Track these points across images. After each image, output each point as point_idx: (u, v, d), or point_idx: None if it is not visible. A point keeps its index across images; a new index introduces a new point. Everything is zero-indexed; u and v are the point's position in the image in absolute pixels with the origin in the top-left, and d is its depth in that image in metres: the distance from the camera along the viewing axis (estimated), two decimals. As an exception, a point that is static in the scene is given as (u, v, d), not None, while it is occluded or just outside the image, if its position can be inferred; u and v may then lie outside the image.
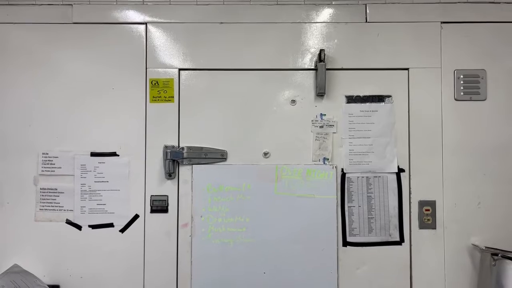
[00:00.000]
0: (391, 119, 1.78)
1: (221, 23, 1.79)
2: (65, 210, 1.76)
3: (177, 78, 1.78)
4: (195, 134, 1.77)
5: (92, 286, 1.74)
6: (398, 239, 1.76)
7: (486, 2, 1.79)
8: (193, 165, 1.76)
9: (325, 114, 1.78)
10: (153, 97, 1.78)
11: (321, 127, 1.78)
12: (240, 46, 1.79)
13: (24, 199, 1.75)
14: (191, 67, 1.78)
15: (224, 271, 1.73)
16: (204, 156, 1.76)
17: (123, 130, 1.77)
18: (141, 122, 1.77)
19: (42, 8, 1.79)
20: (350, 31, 1.79)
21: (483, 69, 1.79)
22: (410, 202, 1.77)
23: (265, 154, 1.77)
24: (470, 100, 1.78)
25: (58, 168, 1.76)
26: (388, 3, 1.80)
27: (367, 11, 1.79)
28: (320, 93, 1.76)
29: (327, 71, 1.74)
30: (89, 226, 1.75)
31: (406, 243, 1.76)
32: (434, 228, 1.75)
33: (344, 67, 1.78)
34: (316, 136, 1.78)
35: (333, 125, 1.78)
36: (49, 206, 1.75)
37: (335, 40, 1.79)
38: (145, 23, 1.79)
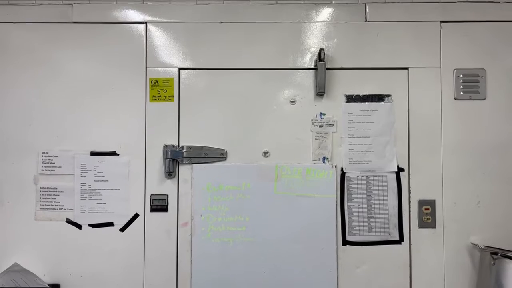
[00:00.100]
0: (391, 118, 1.78)
1: (221, 22, 1.80)
2: (65, 209, 1.76)
3: (177, 78, 1.78)
4: (195, 133, 1.77)
5: (92, 285, 1.74)
6: (397, 238, 1.76)
7: (485, 1, 1.79)
8: (193, 164, 1.76)
9: (324, 114, 1.78)
10: (153, 96, 1.78)
11: (321, 126, 1.78)
12: (240, 45, 1.79)
13: (24, 198, 1.76)
14: (191, 67, 1.79)
15: (223, 270, 1.73)
16: (204, 156, 1.76)
17: (123, 129, 1.77)
18: (141, 122, 1.77)
19: (42, 7, 1.79)
20: (350, 31, 1.79)
21: (483, 69, 1.79)
22: (409, 201, 1.77)
23: (265, 153, 1.78)
24: (470, 99, 1.78)
25: (58, 167, 1.76)
26: (388, 2, 1.80)
27: (367, 10, 1.79)
28: (320, 93, 1.76)
29: (326, 70, 1.74)
30: (89, 225, 1.76)
31: (405, 242, 1.76)
32: (434, 227, 1.75)
33: (343, 66, 1.79)
34: (315, 135, 1.78)
35: (333, 125, 1.78)
36: (49, 205, 1.76)
37: (335, 40, 1.79)
38: (145, 23, 1.80)
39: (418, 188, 1.77)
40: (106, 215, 1.76)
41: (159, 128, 1.77)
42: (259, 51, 1.79)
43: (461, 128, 1.78)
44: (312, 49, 1.79)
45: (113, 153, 1.77)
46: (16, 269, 1.68)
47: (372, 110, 1.79)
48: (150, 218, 1.75)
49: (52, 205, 1.76)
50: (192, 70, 1.79)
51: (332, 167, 1.76)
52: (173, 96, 1.78)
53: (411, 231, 1.76)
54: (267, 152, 1.78)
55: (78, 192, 1.76)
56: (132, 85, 1.78)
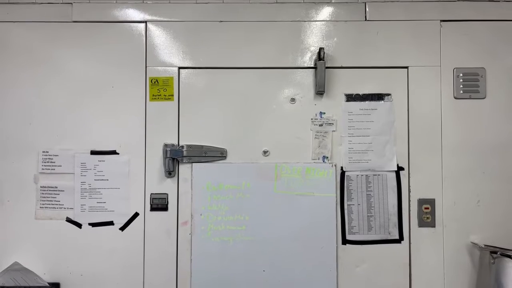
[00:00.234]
0: (391, 118, 1.78)
1: (221, 21, 1.80)
2: (65, 208, 1.76)
3: (177, 77, 1.78)
4: (194, 132, 1.78)
5: (92, 284, 1.74)
6: (397, 237, 1.76)
7: (485, 0, 1.79)
8: (193, 164, 1.76)
9: (324, 113, 1.78)
10: (153, 95, 1.78)
11: (321, 125, 1.78)
12: (239, 44, 1.79)
13: (24, 197, 1.76)
14: (191, 66, 1.79)
15: (223, 269, 1.74)
16: (203, 155, 1.76)
17: (123, 128, 1.77)
18: (141, 121, 1.77)
19: (42, 6, 1.79)
20: (350, 30, 1.79)
21: (483, 67, 1.79)
22: (409, 200, 1.77)
23: (265, 152, 1.78)
24: (470, 98, 1.78)
25: (58, 166, 1.77)
26: (388, 1, 1.80)
27: (367, 9, 1.79)
28: (320, 92, 1.76)
29: (326, 69, 1.74)
30: (89, 224, 1.76)
31: (405, 241, 1.76)
32: (434, 226, 1.75)
33: (343, 65, 1.79)
34: (315, 135, 1.78)
35: (333, 124, 1.78)
36: (49, 204, 1.76)
37: (335, 39, 1.79)
38: (145, 22, 1.80)
39: (418, 187, 1.77)
40: (106, 214, 1.76)
41: (159, 127, 1.77)
42: (259, 50, 1.79)
43: (461, 127, 1.78)
44: (312, 48, 1.79)
45: (113, 152, 1.77)
46: (16, 268, 1.68)
47: (372, 109, 1.79)
48: (150, 217, 1.76)
49: (52, 204, 1.76)
50: (192, 69, 1.79)
51: (332, 166, 1.77)
52: (173, 95, 1.78)
53: (411, 230, 1.76)
54: (267, 151, 1.78)
55: (78, 191, 1.76)
56: (132, 84, 1.78)
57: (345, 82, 1.79)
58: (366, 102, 1.79)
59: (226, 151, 1.77)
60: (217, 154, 1.77)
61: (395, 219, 1.77)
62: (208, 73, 1.79)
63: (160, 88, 1.78)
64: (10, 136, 1.77)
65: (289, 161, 1.77)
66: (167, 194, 1.76)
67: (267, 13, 1.80)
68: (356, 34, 1.79)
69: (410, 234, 1.76)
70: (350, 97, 1.79)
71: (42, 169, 1.76)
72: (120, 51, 1.79)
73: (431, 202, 1.76)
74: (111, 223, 1.76)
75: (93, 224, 1.76)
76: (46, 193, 1.76)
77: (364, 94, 1.79)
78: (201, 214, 1.75)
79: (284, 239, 1.74)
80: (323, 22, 1.80)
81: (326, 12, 1.80)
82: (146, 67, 1.79)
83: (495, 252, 1.61)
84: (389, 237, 1.76)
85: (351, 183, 1.78)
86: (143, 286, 1.74)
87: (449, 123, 1.78)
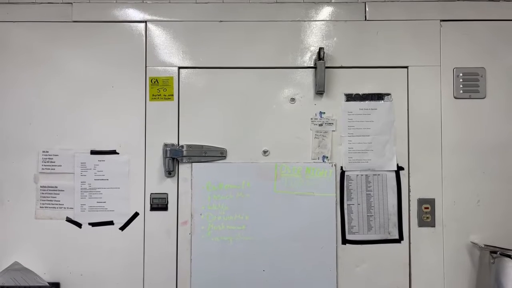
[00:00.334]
0: (391, 117, 1.78)
1: (221, 21, 1.80)
2: (65, 208, 1.76)
3: (177, 77, 1.78)
4: (194, 132, 1.78)
5: (92, 284, 1.75)
6: (397, 237, 1.76)
7: (485, 0, 1.79)
8: (193, 163, 1.76)
9: (324, 112, 1.78)
10: (153, 95, 1.78)
11: (320, 125, 1.78)
12: (239, 44, 1.79)
13: (24, 197, 1.76)
14: (191, 65, 1.79)
15: (223, 269, 1.74)
16: (203, 154, 1.76)
17: (123, 128, 1.78)
18: (141, 120, 1.78)
19: (42, 6, 1.80)
20: (350, 29, 1.79)
21: (483, 67, 1.79)
22: (409, 200, 1.77)
23: (265, 152, 1.78)
24: (470, 98, 1.78)
25: (58, 166, 1.77)
26: (388, 1, 1.80)
27: (367, 9, 1.79)
28: (320, 91, 1.76)
29: (326, 69, 1.74)
30: (89, 224, 1.76)
31: (405, 241, 1.76)
32: (433, 226, 1.75)
33: (343, 65, 1.79)
34: (315, 134, 1.78)
35: (332, 123, 1.78)
36: (49, 204, 1.76)
37: (335, 38, 1.79)
38: (145, 22, 1.80)
39: (418, 187, 1.77)
40: (106, 213, 1.76)
41: (159, 127, 1.77)
42: (258, 50, 1.79)
43: (461, 127, 1.78)
44: (312, 48, 1.79)
45: (113, 152, 1.77)
46: (16, 268, 1.68)
47: (371, 109, 1.79)
48: (150, 217, 1.76)
49: (52, 204, 1.76)
50: (192, 69, 1.79)
51: (332, 166, 1.77)
52: (173, 95, 1.78)
53: (411, 230, 1.76)
54: (267, 151, 1.78)
55: (78, 191, 1.76)
56: (132, 84, 1.78)
57: (345, 82, 1.79)
58: (366, 102, 1.79)
59: (226, 151, 1.77)
60: (217, 154, 1.77)
61: (395, 219, 1.77)
62: (208, 73, 1.79)
63: (160, 88, 1.78)
64: (10, 136, 1.78)
65: (289, 161, 1.77)
66: (167, 194, 1.76)
67: (267, 13, 1.80)
68: (356, 34, 1.79)
69: (410, 234, 1.76)
70: (350, 97, 1.79)
71: (42, 169, 1.76)
72: (120, 51, 1.79)
73: (431, 202, 1.76)
74: (111, 223, 1.76)
75: (93, 224, 1.76)
76: (46, 193, 1.76)
77: (364, 94, 1.79)
78: (201, 214, 1.75)
79: (284, 239, 1.74)
80: (323, 22, 1.80)
81: (326, 12, 1.80)
82: (146, 67, 1.79)
83: (495, 252, 1.61)
84: (389, 237, 1.76)
85: (351, 183, 1.78)
86: (143, 286, 1.74)
87: (449, 123, 1.78)
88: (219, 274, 1.74)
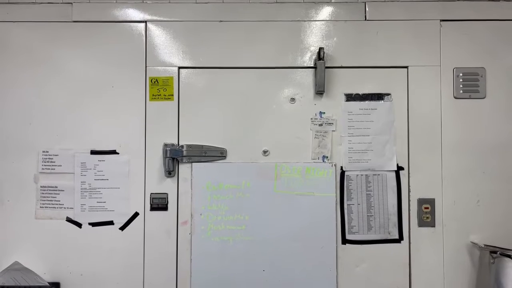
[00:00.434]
0: (390, 117, 1.78)
1: (221, 21, 1.80)
2: (65, 208, 1.76)
3: (177, 76, 1.78)
4: (194, 132, 1.78)
5: (92, 284, 1.75)
6: (397, 237, 1.76)
7: (485, 0, 1.79)
8: (193, 163, 1.76)
9: (324, 112, 1.78)
10: (153, 95, 1.78)
11: (320, 125, 1.78)
12: (239, 44, 1.79)
13: (24, 197, 1.76)
14: (191, 65, 1.79)
15: (223, 269, 1.74)
16: (203, 154, 1.76)
17: (123, 128, 1.78)
18: (141, 120, 1.78)
19: (42, 6, 1.80)
20: (350, 29, 1.79)
21: (483, 67, 1.79)
22: (409, 200, 1.77)
23: (265, 152, 1.78)
24: (470, 98, 1.78)
25: (58, 166, 1.77)
26: (388, 1, 1.80)
27: (367, 9, 1.79)
28: (320, 91, 1.76)
29: (326, 69, 1.74)
30: (89, 224, 1.76)
31: (405, 241, 1.76)
32: (433, 226, 1.75)
33: (343, 65, 1.79)
34: (315, 134, 1.78)
35: (332, 123, 1.78)
36: (49, 204, 1.76)
37: (334, 38, 1.79)
38: (145, 22, 1.80)
39: (418, 187, 1.77)
40: (106, 213, 1.76)
41: (159, 127, 1.77)
42: (258, 50, 1.79)
43: (461, 127, 1.78)
44: (312, 48, 1.79)
45: (113, 152, 1.77)
46: (16, 268, 1.68)
47: (371, 109, 1.79)
48: (150, 217, 1.76)
49: (52, 204, 1.76)
50: (192, 69, 1.79)
51: (332, 166, 1.77)
52: (173, 95, 1.78)
53: (411, 230, 1.76)
54: (267, 151, 1.78)
55: (78, 191, 1.76)
56: (132, 84, 1.78)
57: (345, 82, 1.79)
58: (366, 102, 1.79)
59: (226, 151, 1.77)
60: (217, 154, 1.77)
61: (394, 218, 1.77)
62: (208, 73, 1.79)
63: (160, 88, 1.78)
64: (10, 136, 1.78)
65: (289, 160, 1.77)
66: (167, 194, 1.76)
67: (267, 13, 1.80)
68: (356, 34, 1.79)
69: (410, 234, 1.76)
70: (350, 97, 1.79)
71: (42, 169, 1.76)
72: (120, 51, 1.79)
73: (431, 201, 1.76)
74: (111, 222, 1.76)
75: (93, 224, 1.76)
76: (46, 193, 1.76)
77: (364, 94, 1.79)
78: (201, 214, 1.75)
79: (284, 239, 1.75)
80: (323, 22, 1.80)
81: (326, 12, 1.80)
82: (146, 67, 1.79)
83: (495, 252, 1.61)
84: (389, 237, 1.76)
85: (351, 182, 1.78)
86: (143, 286, 1.74)
87: (449, 123, 1.78)
88: (219, 274, 1.74)
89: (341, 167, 1.78)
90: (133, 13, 1.80)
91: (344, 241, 1.76)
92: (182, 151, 1.74)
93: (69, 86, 1.78)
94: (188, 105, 1.78)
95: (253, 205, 1.75)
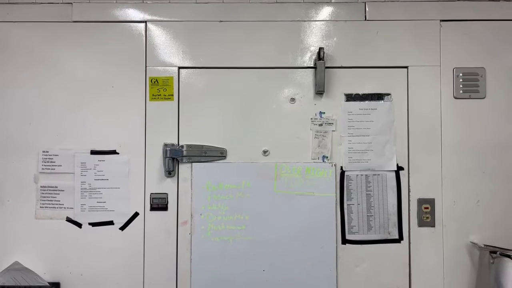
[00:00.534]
0: (390, 117, 1.78)
1: (221, 21, 1.80)
2: (65, 208, 1.76)
3: (177, 76, 1.78)
4: (194, 132, 1.78)
5: (92, 284, 1.75)
6: (397, 237, 1.76)
7: (485, 0, 1.79)
8: (193, 163, 1.76)
9: (324, 112, 1.78)
10: (153, 95, 1.78)
11: (320, 125, 1.78)
12: (239, 44, 1.79)
13: (24, 197, 1.76)
14: (191, 65, 1.79)
15: (223, 269, 1.74)
16: (203, 154, 1.76)
17: (123, 128, 1.78)
18: (141, 120, 1.78)
19: (42, 6, 1.80)
20: (349, 29, 1.79)
21: (483, 67, 1.79)
22: (409, 200, 1.77)
23: (265, 152, 1.78)
24: (470, 98, 1.78)
25: (58, 166, 1.77)
26: (388, 1, 1.80)
27: (367, 9, 1.79)
28: (319, 91, 1.76)
29: (326, 69, 1.75)
30: (89, 223, 1.76)
31: (405, 241, 1.76)
32: (433, 226, 1.75)
33: (343, 65, 1.79)
34: (315, 134, 1.78)
35: (332, 123, 1.78)
36: (49, 204, 1.76)
37: (334, 38, 1.79)
38: (145, 22, 1.80)
39: (418, 187, 1.77)
40: (106, 213, 1.76)
41: (159, 127, 1.77)
42: (258, 50, 1.79)
43: (461, 127, 1.78)
44: (312, 48, 1.79)
45: (113, 152, 1.77)
46: (16, 268, 1.68)
47: (371, 109, 1.79)
48: (150, 217, 1.76)
49: (52, 204, 1.76)
50: (192, 69, 1.79)
51: (332, 166, 1.77)
52: (173, 95, 1.78)
53: (411, 230, 1.76)
54: (267, 151, 1.78)
55: (78, 191, 1.77)
56: (132, 84, 1.78)
57: (344, 82, 1.79)
58: (366, 102, 1.79)
59: (226, 151, 1.77)
60: (217, 154, 1.77)
61: (394, 218, 1.77)
62: (208, 73, 1.79)
63: (160, 88, 1.78)
64: (10, 136, 1.78)
65: (289, 160, 1.77)
66: (167, 193, 1.76)
67: (267, 13, 1.80)
68: (356, 34, 1.79)
69: (410, 234, 1.76)
70: (350, 97, 1.79)
71: (42, 169, 1.76)
72: (120, 51, 1.79)
73: (431, 201, 1.76)
74: (111, 222, 1.76)
75: (93, 224, 1.76)
76: (46, 193, 1.76)
77: (364, 94, 1.79)
78: (201, 214, 1.75)
79: (284, 239, 1.75)
80: (323, 22, 1.80)
81: (325, 12, 1.80)
82: (146, 67, 1.79)
83: (495, 252, 1.61)
84: (389, 237, 1.77)
85: (350, 182, 1.78)
86: (143, 286, 1.74)
87: (449, 123, 1.78)
88: (219, 274, 1.74)
89: (341, 167, 1.78)
90: (133, 13, 1.80)
91: (344, 241, 1.76)
92: (182, 151, 1.74)
93: (69, 86, 1.78)
94: (188, 105, 1.78)
95: (253, 205, 1.75)
